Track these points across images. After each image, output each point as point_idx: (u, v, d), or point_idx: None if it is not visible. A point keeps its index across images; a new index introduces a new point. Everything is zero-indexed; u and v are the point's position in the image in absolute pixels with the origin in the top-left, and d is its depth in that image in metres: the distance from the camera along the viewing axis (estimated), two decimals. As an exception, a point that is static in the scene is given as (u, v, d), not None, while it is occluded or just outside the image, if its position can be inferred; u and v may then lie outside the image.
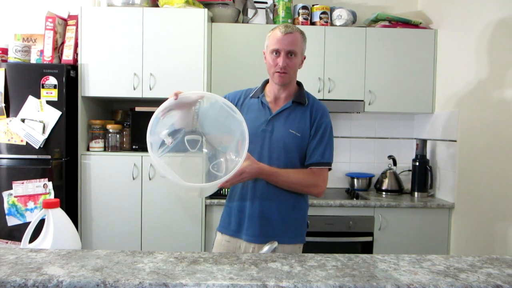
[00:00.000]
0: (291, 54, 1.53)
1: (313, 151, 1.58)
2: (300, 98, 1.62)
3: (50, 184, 2.45)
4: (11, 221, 2.43)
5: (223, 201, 2.55)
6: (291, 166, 1.56)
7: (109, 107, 3.01)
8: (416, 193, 2.84)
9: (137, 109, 2.67)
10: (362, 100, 2.85)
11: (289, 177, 1.54)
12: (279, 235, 1.54)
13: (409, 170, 2.98)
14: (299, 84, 1.68)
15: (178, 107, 1.43)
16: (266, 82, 1.69)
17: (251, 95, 1.66)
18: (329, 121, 1.63)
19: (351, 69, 2.84)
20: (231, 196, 1.67)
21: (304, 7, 2.89)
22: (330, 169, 1.62)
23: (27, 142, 2.42)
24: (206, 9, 2.59)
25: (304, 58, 1.62)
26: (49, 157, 2.44)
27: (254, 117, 1.58)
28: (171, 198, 2.57)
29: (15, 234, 2.43)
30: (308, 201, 1.68)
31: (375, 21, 2.93)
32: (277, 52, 1.53)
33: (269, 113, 1.60)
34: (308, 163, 1.58)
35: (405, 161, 3.11)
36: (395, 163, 3.01)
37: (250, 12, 2.91)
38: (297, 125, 1.58)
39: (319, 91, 2.81)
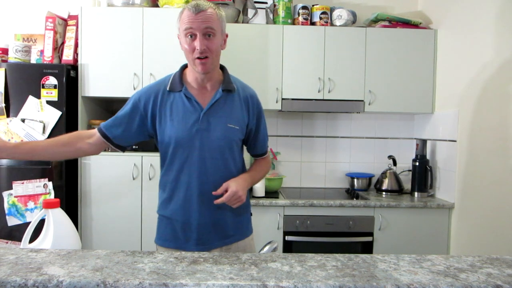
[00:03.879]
0: (209, 35, 1.33)
1: (262, 141, 1.59)
2: (228, 85, 1.45)
3: (50, 184, 2.45)
4: (11, 221, 2.43)
5: (223, 201, 2.57)
6: (233, 162, 1.47)
7: (109, 107, 3.01)
8: (416, 193, 2.84)
9: (137, 109, 2.67)
10: (362, 100, 2.85)
11: (261, 176, 1.60)
12: (233, 235, 1.49)
13: (409, 170, 2.98)
14: (222, 67, 1.50)
15: None
16: (183, 68, 1.48)
17: (168, 88, 1.43)
18: (261, 103, 1.55)
19: (351, 69, 2.84)
20: (167, 207, 1.47)
21: (304, 7, 2.89)
22: None
23: (27, 142, 2.42)
24: (206, 9, 2.58)
25: (227, 36, 1.43)
26: (49, 157, 2.44)
27: (182, 116, 1.40)
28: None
29: (15, 234, 2.43)
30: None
31: (375, 21, 2.93)
32: (192, 34, 1.33)
33: (199, 109, 1.41)
34: (261, 152, 1.61)
35: (405, 161, 3.11)
36: (395, 163, 3.01)
37: (250, 12, 2.91)
38: (235, 117, 1.44)
39: (319, 91, 2.81)
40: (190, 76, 1.44)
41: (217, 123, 1.41)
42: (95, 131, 1.45)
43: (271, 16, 2.92)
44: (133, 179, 2.54)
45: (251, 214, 1.62)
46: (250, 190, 2.66)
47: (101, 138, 1.44)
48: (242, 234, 1.53)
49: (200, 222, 1.43)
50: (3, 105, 2.41)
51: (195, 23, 1.31)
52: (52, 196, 2.44)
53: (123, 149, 1.51)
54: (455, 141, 2.60)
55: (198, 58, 1.33)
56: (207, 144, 1.40)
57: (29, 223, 1.23)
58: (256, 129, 1.54)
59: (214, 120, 1.41)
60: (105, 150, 2.74)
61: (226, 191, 1.37)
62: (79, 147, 1.43)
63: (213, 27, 1.33)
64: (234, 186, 1.37)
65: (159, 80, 1.48)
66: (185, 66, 1.48)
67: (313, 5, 2.93)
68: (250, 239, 1.57)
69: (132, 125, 1.43)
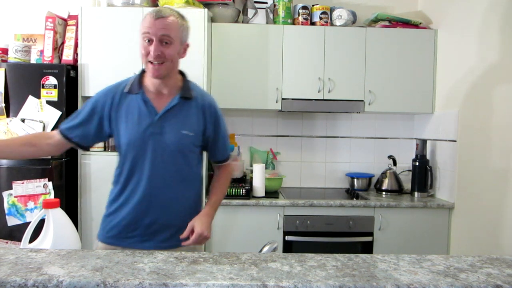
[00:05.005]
0: (166, 42, 1.34)
1: (222, 148, 1.58)
2: (187, 92, 1.46)
3: (50, 184, 2.45)
4: (11, 221, 2.43)
5: (224, 201, 2.55)
6: (187, 167, 1.47)
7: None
8: (416, 193, 2.84)
9: (137, 109, 2.67)
10: (362, 100, 2.85)
11: (224, 195, 1.60)
12: (178, 239, 1.49)
13: (409, 170, 2.98)
14: (182, 74, 1.51)
15: None
16: (143, 72, 1.48)
17: (126, 90, 1.44)
18: (220, 111, 1.54)
19: (351, 69, 2.84)
20: (115, 205, 1.48)
21: (304, 7, 2.89)
22: None
23: (27, 142, 2.42)
24: (206, 9, 2.59)
25: (187, 46, 1.45)
26: (49, 157, 2.44)
27: (136, 119, 1.41)
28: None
29: (15, 234, 2.43)
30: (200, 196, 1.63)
31: (375, 21, 2.93)
32: (149, 39, 1.34)
33: (154, 113, 1.41)
34: (221, 160, 1.61)
35: (405, 161, 3.11)
36: (395, 163, 3.01)
37: (250, 12, 2.91)
38: (189, 124, 1.45)
39: (319, 91, 2.81)
40: (148, 80, 1.45)
41: (171, 129, 1.42)
42: (55, 132, 1.47)
43: (271, 16, 2.92)
44: (133, 179, 2.54)
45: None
46: (250, 190, 2.66)
47: (62, 139, 1.46)
48: (189, 237, 1.52)
49: (146, 222, 1.45)
50: (3, 105, 2.41)
51: (152, 28, 1.33)
52: (52, 196, 2.44)
53: (86, 148, 1.56)
54: (455, 141, 2.60)
55: (151, 62, 1.35)
56: (160, 149, 1.42)
57: (29, 223, 1.23)
58: (214, 137, 1.54)
59: (168, 126, 1.42)
60: (104, 150, 2.73)
61: (192, 231, 1.40)
62: (39, 148, 1.45)
63: (169, 35, 1.34)
64: (199, 227, 1.40)
65: (119, 81, 1.50)
66: (145, 70, 1.48)
67: (313, 5, 2.93)
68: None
69: (91, 126, 1.46)
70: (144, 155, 1.42)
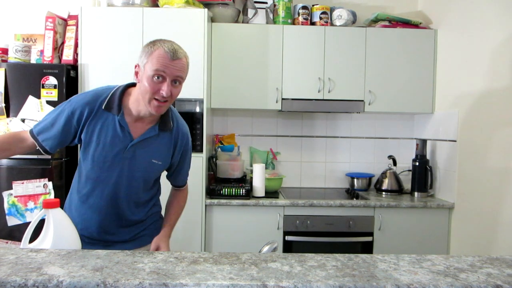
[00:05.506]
0: (176, 82, 1.34)
1: (183, 176, 1.63)
2: (167, 124, 1.45)
3: (50, 184, 2.45)
4: (11, 221, 2.43)
5: (224, 201, 2.57)
6: (146, 190, 1.52)
7: (109, 107, 3.00)
8: (416, 193, 2.84)
9: (137, 109, 2.67)
10: (362, 100, 2.85)
11: (180, 214, 1.66)
12: (154, 234, 1.55)
13: (409, 170, 2.98)
14: None
15: None
16: (125, 89, 1.42)
17: (104, 107, 1.38)
18: (190, 141, 1.57)
19: (351, 69, 2.84)
20: (70, 211, 1.50)
21: (304, 7, 2.89)
22: None
23: (27, 142, 2.42)
24: (206, 9, 2.59)
25: (137, 66, 1.39)
26: (49, 157, 2.44)
27: (110, 141, 1.38)
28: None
29: (15, 234, 2.43)
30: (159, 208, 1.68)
31: (375, 21, 2.93)
32: (161, 77, 1.30)
33: (129, 139, 1.39)
34: (180, 184, 1.65)
35: (405, 161, 3.11)
36: (395, 163, 3.01)
37: (250, 12, 2.91)
38: (160, 153, 1.46)
39: (319, 91, 2.81)
40: (134, 104, 1.39)
41: (142, 157, 1.42)
42: (27, 135, 1.41)
43: (271, 16, 2.92)
44: (133, 179, 2.54)
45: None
46: (250, 190, 2.66)
47: (35, 144, 1.41)
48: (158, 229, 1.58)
49: (105, 237, 1.49)
50: (3, 105, 2.41)
51: (169, 68, 1.30)
52: (52, 196, 2.44)
53: (52, 154, 1.58)
54: (455, 141, 2.60)
55: (157, 100, 1.32)
56: (127, 173, 1.42)
57: (29, 223, 1.22)
58: (178, 165, 1.56)
59: (140, 153, 1.42)
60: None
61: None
62: (12, 152, 1.42)
63: (183, 76, 1.35)
64: (165, 249, 1.49)
65: (96, 91, 1.42)
66: (127, 87, 1.43)
67: (313, 5, 2.93)
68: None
69: (65, 137, 1.41)
70: (109, 177, 1.42)
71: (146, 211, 1.56)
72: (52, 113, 1.41)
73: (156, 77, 1.30)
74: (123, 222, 1.50)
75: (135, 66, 1.37)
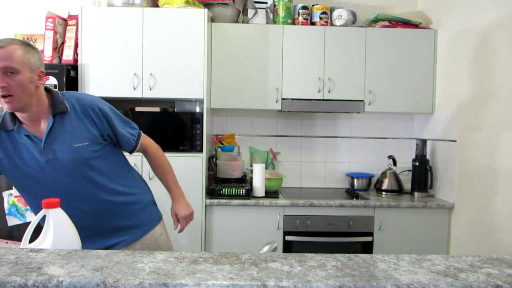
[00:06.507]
0: (11, 72, 1.26)
1: (126, 138, 1.52)
2: (59, 107, 1.38)
3: (50, 184, 2.44)
4: (11, 221, 2.43)
5: (224, 201, 2.57)
6: (98, 173, 1.44)
7: (109, 107, 3.00)
8: (416, 193, 2.84)
9: (137, 109, 2.67)
10: (362, 100, 2.85)
11: (171, 168, 1.68)
12: (134, 232, 1.51)
13: (409, 170, 2.98)
14: (49, 90, 1.42)
15: None
16: None
17: (0, 128, 1.36)
18: (106, 105, 1.48)
19: (351, 69, 2.84)
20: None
21: (304, 7, 2.89)
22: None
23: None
24: (206, 9, 2.59)
25: (42, 72, 1.36)
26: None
27: (26, 155, 1.35)
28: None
29: (15, 234, 2.42)
30: (138, 185, 1.61)
31: (375, 21, 2.93)
32: None
33: (39, 142, 1.35)
34: (132, 148, 1.56)
35: (405, 161, 3.11)
36: (395, 163, 3.01)
37: (250, 12, 2.91)
38: (77, 135, 1.39)
39: (319, 91, 2.81)
40: (17, 113, 1.37)
41: (62, 148, 1.37)
42: None
43: (271, 16, 2.92)
44: (133, 179, 2.54)
45: (154, 202, 1.69)
46: (250, 190, 2.66)
47: None
48: (145, 227, 1.56)
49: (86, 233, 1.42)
50: (3, 105, 2.41)
51: None
52: (52, 196, 2.44)
53: None
54: (455, 141, 2.60)
55: (3, 96, 1.27)
56: (60, 171, 1.37)
57: (29, 223, 1.22)
58: (113, 132, 1.48)
59: (58, 146, 1.37)
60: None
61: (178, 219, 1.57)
62: None
63: (14, 65, 1.26)
64: (181, 212, 1.61)
65: None
66: None
67: (313, 5, 2.93)
68: (158, 228, 1.63)
69: None
70: (52, 185, 1.37)
71: (136, 214, 1.53)
72: None
73: None
74: (114, 228, 1.47)
75: None
